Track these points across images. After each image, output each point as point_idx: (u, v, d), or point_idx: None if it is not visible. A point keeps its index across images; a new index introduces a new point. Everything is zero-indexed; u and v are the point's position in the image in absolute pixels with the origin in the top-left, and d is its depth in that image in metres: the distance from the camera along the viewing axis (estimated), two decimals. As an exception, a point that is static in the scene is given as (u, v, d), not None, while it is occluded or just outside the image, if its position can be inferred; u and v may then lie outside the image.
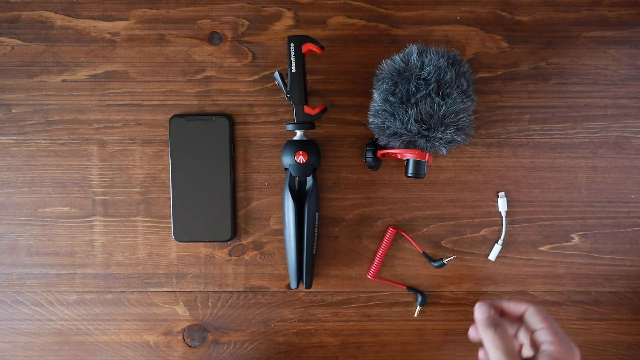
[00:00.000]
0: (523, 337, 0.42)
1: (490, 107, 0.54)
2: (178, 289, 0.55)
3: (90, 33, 0.54)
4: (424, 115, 0.45)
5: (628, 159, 0.54)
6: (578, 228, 0.55)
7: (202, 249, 0.55)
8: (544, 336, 0.38)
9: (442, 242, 0.55)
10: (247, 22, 0.54)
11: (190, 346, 0.55)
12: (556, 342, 0.37)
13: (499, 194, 0.54)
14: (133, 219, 0.55)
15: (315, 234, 0.52)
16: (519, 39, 0.54)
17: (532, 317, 0.40)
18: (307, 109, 0.50)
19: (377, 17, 0.54)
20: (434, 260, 0.54)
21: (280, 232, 0.55)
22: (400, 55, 0.47)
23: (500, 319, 0.40)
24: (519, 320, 0.41)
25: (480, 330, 0.39)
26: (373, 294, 0.55)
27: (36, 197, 0.54)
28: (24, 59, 0.54)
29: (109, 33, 0.54)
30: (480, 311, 0.40)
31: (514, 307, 0.41)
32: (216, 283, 0.55)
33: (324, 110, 0.51)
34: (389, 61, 0.48)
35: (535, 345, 0.39)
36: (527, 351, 0.41)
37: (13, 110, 0.54)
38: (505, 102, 0.54)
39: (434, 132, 0.45)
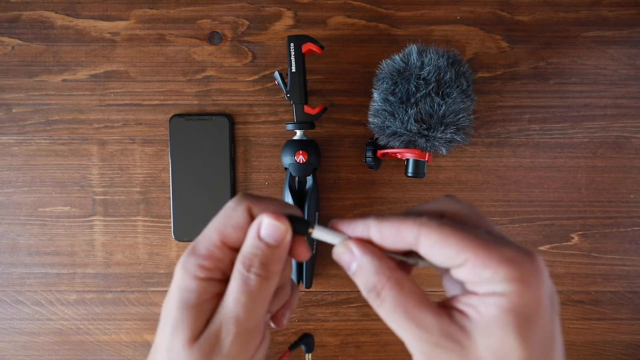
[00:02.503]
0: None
1: (490, 107, 0.54)
2: (178, 289, 0.55)
3: (90, 33, 0.54)
4: (423, 114, 0.45)
5: (627, 158, 0.54)
6: (578, 228, 0.55)
7: (202, 248, 0.55)
8: (475, 273, 0.23)
9: (441, 241, 0.55)
10: (247, 22, 0.54)
11: (190, 346, 0.55)
12: (505, 274, 0.22)
13: None
14: (133, 218, 0.55)
15: (315, 234, 0.52)
16: (518, 39, 0.54)
17: (436, 250, 0.24)
18: (307, 109, 0.50)
19: (377, 17, 0.54)
20: None
21: (280, 231, 0.55)
22: (400, 55, 0.47)
23: (388, 265, 0.25)
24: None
25: (363, 293, 0.26)
26: (373, 294, 0.55)
27: (36, 196, 0.55)
28: (25, 58, 0.54)
29: (109, 33, 0.54)
30: (347, 261, 0.26)
31: (383, 236, 0.25)
32: (216, 283, 0.55)
33: (324, 110, 0.51)
34: (388, 61, 0.48)
35: (458, 284, 0.26)
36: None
37: (13, 110, 0.54)
38: (505, 102, 0.54)
39: (433, 131, 0.45)
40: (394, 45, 0.54)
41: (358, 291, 0.56)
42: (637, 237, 0.55)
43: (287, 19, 0.54)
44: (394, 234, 0.25)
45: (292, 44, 0.49)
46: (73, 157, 0.54)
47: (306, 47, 0.49)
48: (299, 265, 0.51)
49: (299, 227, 0.28)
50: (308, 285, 0.52)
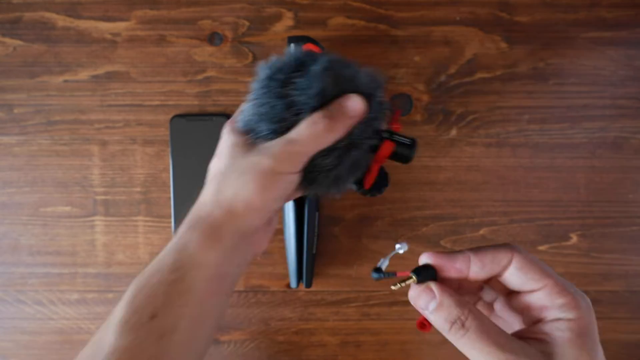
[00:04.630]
0: (490, 297, 0.32)
1: (489, 108, 0.55)
2: (179, 288, 0.55)
3: (91, 34, 0.54)
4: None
5: (626, 159, 0.55)
6: (577, 228, 0.55)
7: (202, 248, 0.55)
8: (549, 298, 0.28)
9: (441, 241, 0.55)
10: (247, 23, 0.54)
11: (191, 345, 0.56)
12: (572, 303, 0.27)
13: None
14: (134, 218, 0.55)
15: (315, 234, 0.52)
16: (518, 40, 0.54)
17: (523, 272, 0.28)
18: (307, 109, 0.50)
19: (376, 18, 0.54)
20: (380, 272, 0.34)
21: (280, 231, 0.55)
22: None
23: (465, 300, 0.29)
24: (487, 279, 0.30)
25: (444, 327, 0.28)
26: (372, 293, 0.56)
27: (38, 196, 0.55)
28: (26, 59, 0.54)
29: (110, 34, 0.54)
30: (426, 301, 0.29)
31: (483, 264, 0.29)
32: (217, 282, 0.55)
33: (323, 111, 0.51)
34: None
35: (523, 310, 0.30)
36: (509, 322, 0.32)
37: (15, 111, 0.54)
38: (504, 103, 0.55)
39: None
40: (394, 45, 0.54)
41: (358, 291, 0.56)
42: (635, 237, 0.55)
43: (288, 20, 0.54)
44: (491, 259, 0.29)
45: (292, 45, 0.49)
46: (74, 157, 0.55)
47: (306, 47, 0.49)
48: (299, 265, 0.51)
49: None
50: (308, 285, 0.52)
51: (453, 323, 0.28)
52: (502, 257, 0.29)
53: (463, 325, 0.27)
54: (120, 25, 0.54)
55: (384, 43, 0.54)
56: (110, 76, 0.54)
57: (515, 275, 0.29)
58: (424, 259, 0.30)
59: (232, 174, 0.34)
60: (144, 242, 0.55)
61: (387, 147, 0.37)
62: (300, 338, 0.56)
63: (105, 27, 0.54)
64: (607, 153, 0.55)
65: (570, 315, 0.27)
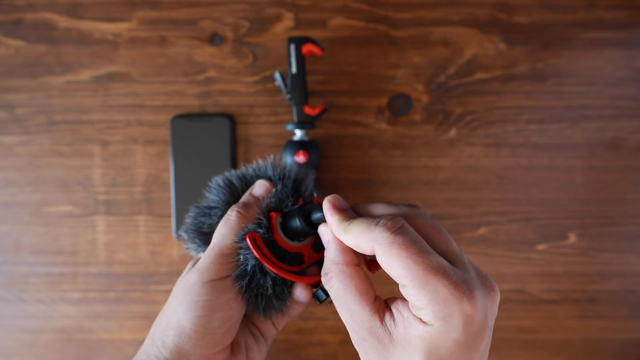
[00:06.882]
0: None
1: (488, 108, 0.55)
2: (180, 287, 0.56)
3: (93, 34, 0.54)
4: None
5: (624, 159, 0.55)
6: (575, 227, 0.55)
7: (203, 247, 0.55)
8: (411, 297, 0.25)
9: (440, 241, 0.55)
10: (247, 24, 0.54)
11: (192, 344, 0.56)
12: (429, 310, 0.24)
13: None
14: (135, 218, 0.55)
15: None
16: (516, 40, 0.54)
17: (384, 266, 0.26)
18: (307, 109, 0.51)
19: (376, 19, 0.54)
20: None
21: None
22: None
23: (345, 259, 0.29)
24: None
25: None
26: (372, 292, 0.56)
27: (39, 196, 0.55)
28: (28, 60, 0.54)
29: (111, 34, 0.54)
30: (324, 236, 0.31)
31: (355, 246, 0.28)
32: (217, 281, 0.55)
33: (324, 111, 0.51)
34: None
35: None
36: None
37: (17, 111, 0.55)
38: (503, 103, 0.55)
39: None
40: (394, 46, 0.54)
41: (358, 290, 0.56)
42: (633, 236, 0.55)
43: (288, 21, 0.54)
44: (356, 246, 0.28)
45: (292, 45, 0.49)
46: (76, 157, 0.55)
47: (306, 48, 0.49)
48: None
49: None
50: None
51: (324, 273, 0.30)
52: (365, 245, 0.27)
53: (328, 281, 0.29)
54: (121, 26, 0.54)
55: (383, 44, 0.54)
56: (111, 76, 0.55)
57: (382, 265, 0.26)
58: (324, 204, 0.30)
59: (167, 306, 0.35)
60: (145, 241, 0.55)
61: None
62: (300, 337, 0.56)
63: (107, 28, 0.54)
64: (605, 153, 0.55)
65: (428, 319, 0.24)
